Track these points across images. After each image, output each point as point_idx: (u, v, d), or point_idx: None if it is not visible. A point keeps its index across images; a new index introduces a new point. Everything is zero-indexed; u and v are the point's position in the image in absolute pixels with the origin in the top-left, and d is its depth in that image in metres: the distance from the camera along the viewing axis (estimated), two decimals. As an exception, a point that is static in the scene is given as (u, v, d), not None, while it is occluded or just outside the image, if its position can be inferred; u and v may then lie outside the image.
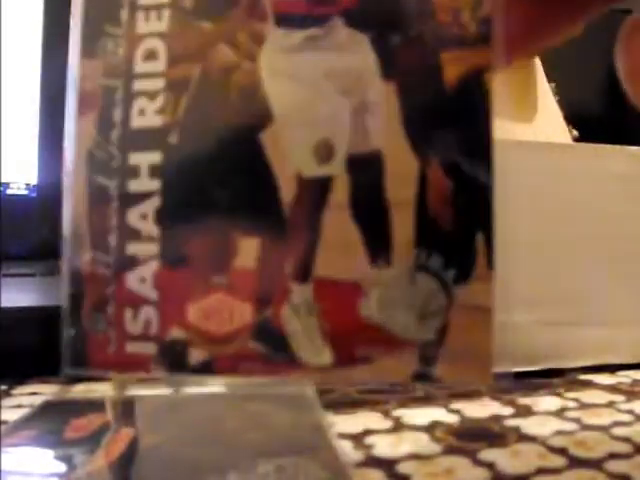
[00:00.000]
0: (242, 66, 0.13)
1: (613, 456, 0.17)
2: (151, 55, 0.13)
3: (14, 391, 0.25)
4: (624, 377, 0.26)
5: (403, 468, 0.16)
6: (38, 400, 0.23)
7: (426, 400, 0.23)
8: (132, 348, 0.13)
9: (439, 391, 0.24)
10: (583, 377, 0.26)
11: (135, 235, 0.13)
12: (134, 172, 0.13)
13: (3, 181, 0.49)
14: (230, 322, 0.12)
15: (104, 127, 0.13)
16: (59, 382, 0.26)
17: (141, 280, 0.13)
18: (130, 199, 0.13)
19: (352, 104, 0.12)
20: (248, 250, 0.12)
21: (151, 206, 0.13)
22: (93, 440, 0.18)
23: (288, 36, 0.13)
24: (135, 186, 0.13)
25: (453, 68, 0.12)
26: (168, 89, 0.13)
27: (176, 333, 0.13)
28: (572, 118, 0.73)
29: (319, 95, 0.12)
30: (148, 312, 0.13)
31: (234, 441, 0.19)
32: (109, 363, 0.13)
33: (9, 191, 0.50)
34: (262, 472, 0.16)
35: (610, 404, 0.22)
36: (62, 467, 0.16)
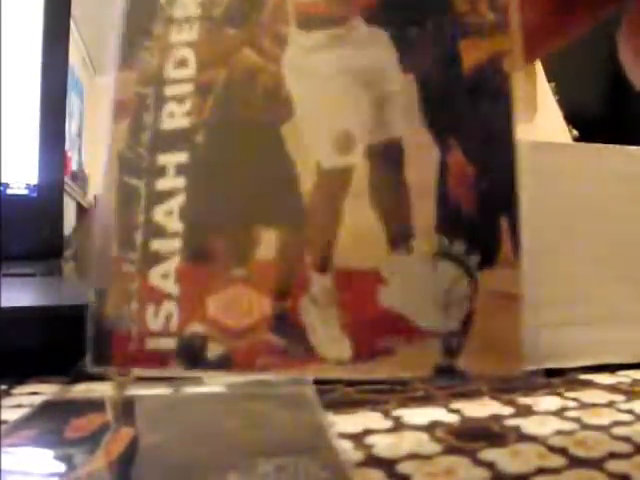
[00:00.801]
0: (266, 68, 0.13)
1: (613, 456, 0.17)
2: (182, 63, 0.14)
3: (14, 391, 0.25)
4: (624, 377, 0.26)
5: (403, 468, 0.16)
6: (38, 400, 0.23)
7: (426, 400, 0.23)
8: (152, 344, 0.13)
9: (439, 391, 0.24)
10: (583, 377, 0.26)
11: (160, 232, 0.13)
12: (162, 172, 0.13)
13: (3, 181, 0.49)
14: (249, 314, 0.12)
15: (136, 131, 0.13)
16: (59, 382, 0.26)
17: (164, 276, 0.13)
18: (157, 197, 0.13)
19: (372, 96, 0.13)
20: (268, 241, 0.12)
21: (176, 203, 0.13)
22: (93, 440, 0.18)
23: (309, 37, 0.13)
24: (162, 185, 0.13)
25: (471, 56, 0.13)
26: (196, 92, 0.13)
27: (195, 327, 0.13)
28: (572, 118, 0.73)
29: (339, 89, 0.13)
30: (169, 308, 0.13)
31: (234, 441, 0.19)
32: (131, 360, 0.13)
33: (9, 191, 0.50)
34: (262, 472, 0.16)
35: (610, 404, 0.22)
36: (62, 467, 0.16)
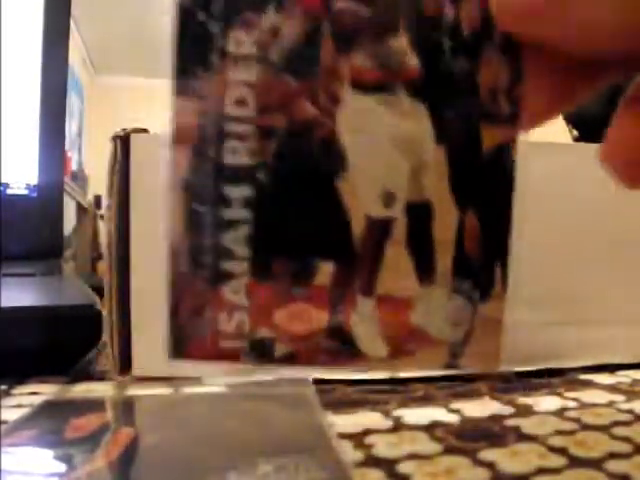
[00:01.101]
0: (322, 121, 0.15)
1: (613, 456, 0.17)
2: (241, 102, 0.15)
3: (14, 391, 0.25)
4: (624, 377, 0.26)
5: (403, 468, 0.16)
6: (38, 400, 0.23)
7: (426, 400, 0.23)
8: (226, 344, 0.15)
9: (439, 391, 0.24)
10: (583, 377, 0.26)
11: (229, 254, 0.15)
12: (227, 202, 0.15)
13: (3, 181, 0.49)
14: (309, 324, 0.16)
15: (199, 160, 0.15)
16: (59, 382, 0.26)
17: (234, 291, 0.15)
18: (224, 225, 0.15)
19: (411, 162, 0.15)
20: (325, 271, 0.15)
21: (242, 232, 0.15)
22: (93, 440, 0.18)
23: (361, 99, 0.15)
24: (228, 214, 0.15)
25: (489, 139, 0.16)
26: (257, 134, 0.15)
27: (264, 332, 0.15)
28: (572, 118, 0.73)
29: (385, 152, 0.15)
30: (240, 316, 0.15)
31: (234, 441, 0.19)
32: (205, 355, 0.15)
33: (9, 191, 0.50)
34: (262, 472, 0.16)
35: (610, 404, 0.22)
36: (62, 467, 0.16)
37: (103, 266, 0.27)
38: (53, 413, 0.21)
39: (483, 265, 0.16)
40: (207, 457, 0.17)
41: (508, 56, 0.15)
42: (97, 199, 2.70)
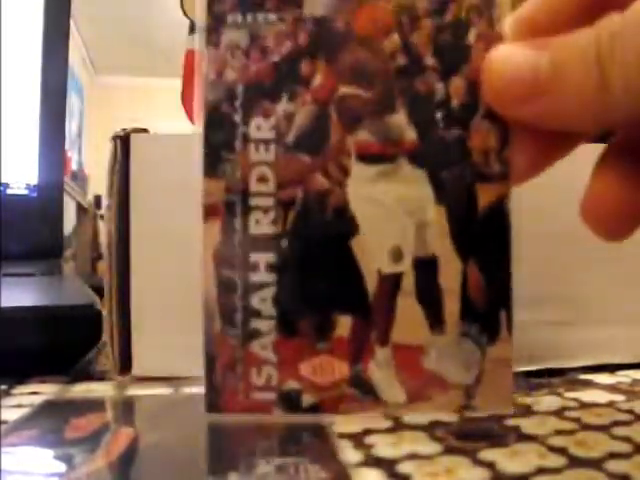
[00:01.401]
0: (334, 190, 0.17)
1: (613, 456, 0.17)
2: (262, 179, 0.17)
3: (14, 391, 0.25)
4: (624, 377, 0.26)
5: (403, 468, 0.16)
6: (38, 400, 0.23)
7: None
8: (256, 396, 0.17)
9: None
10: (583, 377, 0.26)
11: (257, 314, 0.17)
12: (254, 267, 0.17)
13: (3, 181, 0.49)
14: (332, 375, 0.17)
15: (228, 232, 0.17)
16: (59, 382, 0.26)
17: (263, 347, 0.17)
18: (252, 287, 0.17)
19: (415, 221, 0.17)
20: (344, 324, 0.17)
21: (269, 293, 0.17)
22: (93, 440, 0.18)
23: (367, 169, 0.17)
24: (255, 278, 0.17)
25: (484, 196, 0.17)
26: (277, 206, 0.17)
27: (291, 384, 0.17)
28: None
29: (391, 215, 0.17)
30: (269, 370, 0.17)
31: (234, 441, 0.19)
32: (238, 407, 0.17)
33: (9, 191, 0.50)
34: (262, 472, 0.16)
35: (610, 404, 0.22)
36: (62, 467, 0.16)
37: (103, 266, 0.27)
38: (53, 413, 0.21)
39: (488, 310, 0.17)
40: (207, 457, 0.17)
41: (495, 123, 0.17)
42: (97, 199, 2.70)
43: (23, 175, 0.50)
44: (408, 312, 0.17)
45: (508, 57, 0.16)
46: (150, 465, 0.17)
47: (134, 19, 3.31)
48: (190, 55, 1.26)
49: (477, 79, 0.17)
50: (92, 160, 3.35)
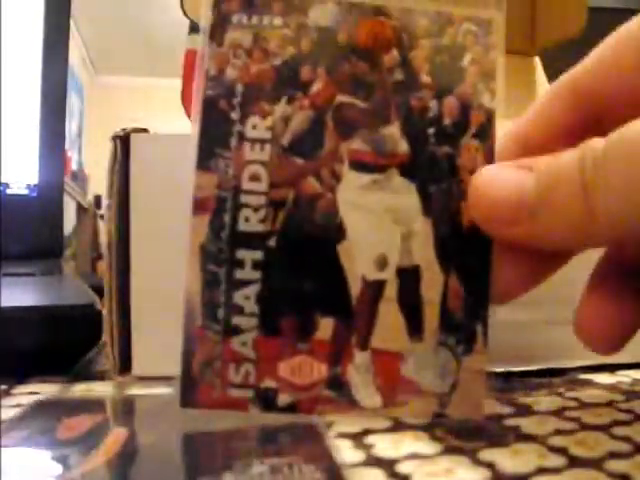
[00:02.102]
0: (324, 195, 0.18)
1: (613, 455, 0.17)
2: (255, 177, 0.18)
3: (14, 391, 0.25)
4: (624, 377, 0.26)
5: (403, 468, 0.16)
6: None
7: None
8: (233, 393, 0.17)
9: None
10: (583, 376, 0.26)
11: (239, 310, 0.17)
12: (240, 264, 0.17)
13: (3, 181, 0.49)
14: (310, 376, 0.17)
15: (216, 227, 0.17)
16: (59, 382, 0.26)
17: (243, 344, 0.17)
18: (236, 284, 0.17)
19: (402, 231, 0.18)
20: (326, 327, 0.17)
21: (253, 290, 0.17)
22: (85, 440, 0.18)
23: (359, 177, 0.18)
24: (240, 275, 0.17)
25: (469, 214, 0.18)
26: (268, 205, 0.17)
27: (268, 383, 0.17)
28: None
29: (379, 223, 0.18)
30: (247, 367, 0.17)
31: (229, 441, 0.19)
32: (213, 403, 0.17)
33: (9, 191, 0.50)
34: (257, 472, 0.16)
35: (610, 403, 0.22)
36: (54, 467, 0.16)
37: (103, 266, 0.27)
38: (45, 413, 0.21)
39: (465, 322, 0.18)
40: (202, 457, 0.17)
41: (483, 143, 0.18)
42: (97, 199, 2.70)
43: (23, 175, 0.51)
44: (389, 319, 0.17)
45: (494, 177, 0.17)
46: (145, 465, 0.17)
47: (134, 19, 3.31)
48: (190, 55, 1.26)
49: (469, 101, 0.18)
50: (92, 160, 3.35)
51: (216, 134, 0.18)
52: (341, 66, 0.18)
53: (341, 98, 0.18)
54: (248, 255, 0.17)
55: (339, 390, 0.17)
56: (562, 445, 0.18)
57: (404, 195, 0.18)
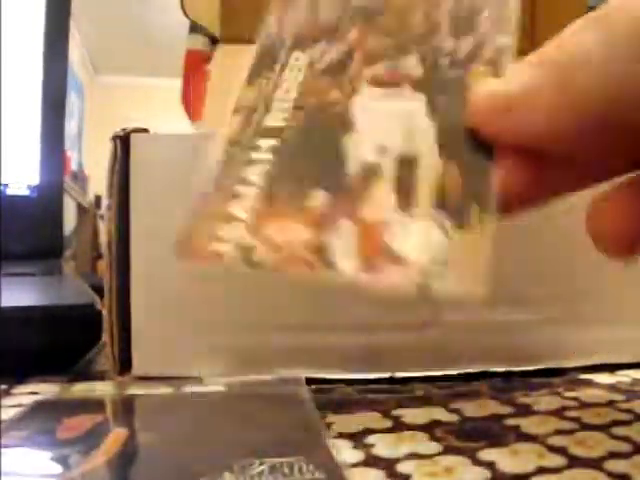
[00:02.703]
0: (342, 100, 0.20)
1: (613, 455, 0.17)
2: (287, 91, 0.20)
3: (14, 391, 0.25)
4: (624, 376, 0.26)
5: (403, 467, 0.16)
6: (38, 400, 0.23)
7: (425, 400, 0.23)
8: (216, 247, 0.18)
9: (438, 391, 0.24)
10: (583, 376, 0.26)
11: (244, 181, 0.19)
12: (257, 148, 0.19)
13: (3, 181, 0.49)
14: (292, 236, 0.18)
15: (245, 125, 0.20)
16: (59, 381, 0.26)
17: (241, 208, 0.18)
18: (248, 162, 0.19)
19: (405, 127, 0.19)
20: (317, 196, 0.18)
21: (262, 169, 0.19)
22: (85, 440, 0.18)
23: (374, 91, 0.20)
24: (254, 156, 0.19)
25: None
26: (294, 108, 0.20)
27: (250, 240, 0.18)
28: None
29: (386, 120, 0.19)
30: (237, 226, 0.18)
31: (229, 441, 0.19)
32: (202, 256, 0.18)
33: (9, 191, 0.50)
34: (256, 472, 0.16)
35: (610, 403, 0.22)
36: (54, 467, 0.16)
37: (103, 266, 0.27)
38: (45, 413, 0.21)
39: (461, 204, 0.18)
40: (202, 456, 0.17)
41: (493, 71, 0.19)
42: (97, 199, 2.70)
43: (23, 175, 0.51)
44: (382, 197, 0.18)
45: (487, 83, 0.19)
46: (145, 465, 0.17)
47: (134, 19, 3.31)
48: (190, 55, 1.26)
49: (483, 40, 0.20)
50: (92, 160, 3.35)
51: (265, 62, 0.21)
52: (377, 18, 0.22)
53: (371, 39, 0.21)
54: (265, 142, 0.20)
55: (317, 252, 0.17)
56: (562, 445, 0.18)
57: (412, 102, 0.19)
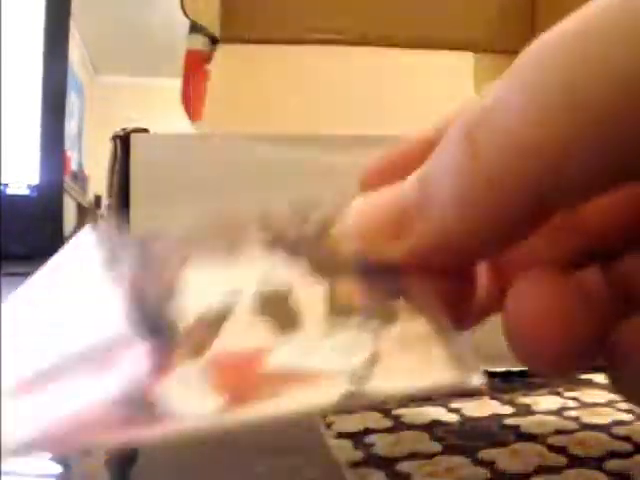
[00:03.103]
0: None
1: (613, 455, 0.17)
2: None
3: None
4: (624, 376, 0.26)
5: (403, 467, 0.16)
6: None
7: (426, 399, 0.23)
8: None
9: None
10: (583, 376, 0.26)
11: None
12: None
13: (3, 181, 0.49)
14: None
15: None
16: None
17: None
18: None
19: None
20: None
21: None
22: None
23: None
24: None
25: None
26: None
27: None
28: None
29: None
30: None
31: (229, 441, 0.19)
32: None
33: (9, 191, 0.50)
34: (257, 472, 0.16)
35: (610, 403, 0.22)
36: (55, 467, 0.16)
37: (103, 266, 0.27)
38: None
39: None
40: (202, 457, 0.17)
41: None
42: (97, 199, 2.70)
43: (24, 175, 0.51)
44: (242, 327, 0.14)
45: (371, 198, 0.14)
46: (146, 464, 0.17)
47: (134, 19, 3.31)
48: (190, 55, 1.26)
49: None
50: (92, 160, 3.35)
51: None
52: None
53: None
54: None
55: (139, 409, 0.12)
56: (562, 444, 0.18)
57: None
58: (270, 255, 0.15)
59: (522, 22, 0.66)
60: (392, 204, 0.14)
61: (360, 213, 0.14)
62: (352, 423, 0.20)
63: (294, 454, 0.17)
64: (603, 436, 0.18)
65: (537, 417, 0.21)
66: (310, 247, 0.15)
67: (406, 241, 0.13)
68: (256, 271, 0.14)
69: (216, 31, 1.08)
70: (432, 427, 0.19)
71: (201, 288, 0.14)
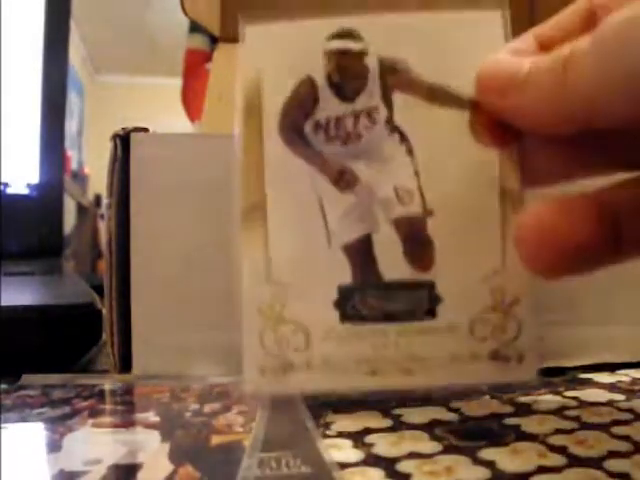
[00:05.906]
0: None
1: (613, 454, 0.17)
2: None
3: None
4: (624, 376, 0.26)
5: (403, 467, 0.16)
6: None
7: (426, 399, 0.23)
8: None
9: (439, 390, 0.24)
10: (583, 376, 0.26)
11: None
12: None
13: (3, 181, 0.49)
14: None
15: None
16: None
17: None
18: None
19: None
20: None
21: None
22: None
23: None
24: None
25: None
26: None
27: None
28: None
29: None
30: None
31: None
32: None
33: (9, 191, 0.50)
34: (244, 466, 0.16)
35: (610, 402, 0.22)
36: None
37: (103, 266, 0.27)
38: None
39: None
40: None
41: None
42: (97, 199, 2.70)
43: (23, 174, 0.51)
44: None
45: (498, 59, 0.20)
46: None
47: (134, 19, 3.31)
48: (190, 55, 1.26)
49: None
50: (92, 160, 3.35)
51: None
52: None
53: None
54: None
55: None
56: (562, 444, 0.18)
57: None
58: None
59: (522, 22, 0.66)
60: (507, 68, 0.19)
61: (485, 64, 0.19)
62: (352, 423, 0.20)
63: (280, 450, 0.17)
64: (603, 435, 0.18)
65: (537, 416, 0.21)
66: None
67: (511, 99, 0.18)
68: None
69: (216, 31, 1.08)
70: (432, 426, 0.19)
71: None
